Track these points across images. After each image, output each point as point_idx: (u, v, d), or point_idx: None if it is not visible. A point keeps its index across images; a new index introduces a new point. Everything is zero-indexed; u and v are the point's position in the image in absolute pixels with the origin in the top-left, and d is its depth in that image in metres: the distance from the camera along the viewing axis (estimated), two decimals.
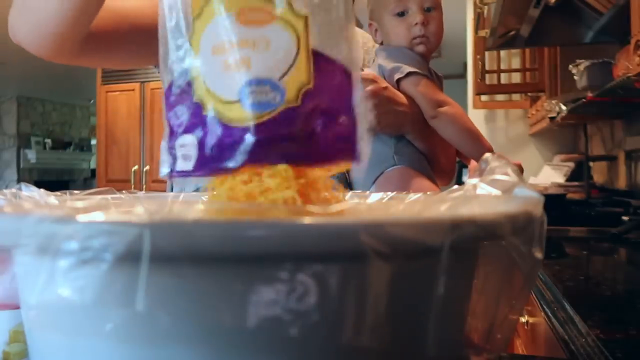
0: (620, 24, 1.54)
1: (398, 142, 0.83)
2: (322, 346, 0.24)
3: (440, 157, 0.88)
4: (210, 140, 0.31)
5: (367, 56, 0.97)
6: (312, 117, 0.31)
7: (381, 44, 0.90)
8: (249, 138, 0.29)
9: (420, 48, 0.85)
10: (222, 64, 0.31)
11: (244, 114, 0.30)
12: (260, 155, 0.30)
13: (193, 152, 0.32)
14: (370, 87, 0.80)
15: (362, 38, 1.00)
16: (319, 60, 0.31)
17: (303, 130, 0.30)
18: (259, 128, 0.30)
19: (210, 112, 0.31)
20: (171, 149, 0.33)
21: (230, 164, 0.30)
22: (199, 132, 0.31)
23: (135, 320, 0.24)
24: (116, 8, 0.78)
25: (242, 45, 0.30)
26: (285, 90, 0.30)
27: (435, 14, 0.85)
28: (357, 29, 1.03)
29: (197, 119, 0.31)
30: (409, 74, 0.83)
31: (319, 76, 0.31)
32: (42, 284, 0.24)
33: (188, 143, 0.32)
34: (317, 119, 0.31)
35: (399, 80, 0.83)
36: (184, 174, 0.33)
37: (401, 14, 0.84)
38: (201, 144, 0.31)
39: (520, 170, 0.93)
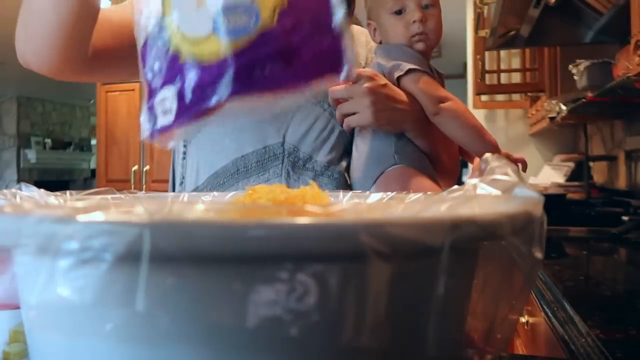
0: (620, 24, 1.54)
1: (398, 141, 0.82)
2: (322, 346, 0.24)
3: (442, 156, 0.87)
4: (189, 85, 0.30)
5: (370, 55, 0.97)
6: (291, 35, 0.30)
7: (380, 43, 0.89)
8: (229, 69, 0.28)
9: (420, 46, 0.84)
10: (195, 1, 0.30)
11: (221, 45, 0.29)
12: (244, 84, 0.29)
13: (173, 105, 0.31)
14: (367, 84, 0.80)
15: (366, 37, 0.99)
16: None
17: (283, 49, 0.29)
18: (237, 56, 0.28)
19: (186, 58, 0.30)
20: (150, 109, 0.33)
21: (214, 101, 0.29)
22: (177, 82, 0.30)
23: (135, 320, 0.24)
24: (117, 21, 0.79)
25: None
26: (259, 11, 0.29)
27: (434, 11, 0.84)
28: (360, 28, 1.02)
29: (175, 69, 0.30)
30: (408, 71, 0.82)
31: None
32: (42, 284, 0.24)
33: (168, 96, 0.31)
34: (297, 36, 0.30)
35: (399, 78, 0.82)
36: (165, 129, 0.32)
37: (399, 12, 0.83)
38: (180, 92, 0.30)
39: (524, 165, 0.91)
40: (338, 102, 0.82)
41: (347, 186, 0.84)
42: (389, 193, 0.44)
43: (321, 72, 0.31)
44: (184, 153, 0.86)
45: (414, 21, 0.82)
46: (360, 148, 0.83)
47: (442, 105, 0.82)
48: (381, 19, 0.86)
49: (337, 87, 0.83)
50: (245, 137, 0.79)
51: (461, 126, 0.82)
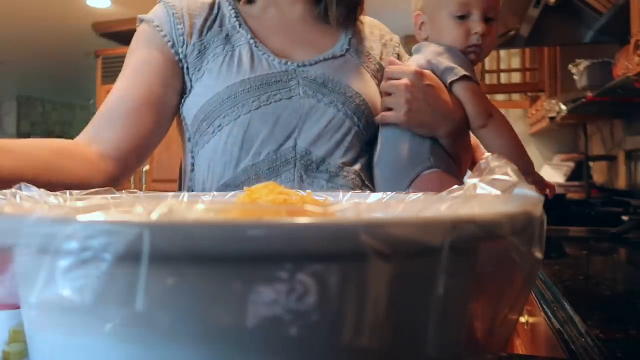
0: (620, 24, 1.54)
1: (434, 144, 0.81)
2: (322, 346, 0.24)
3: (462, 167, 0.87)
4: None
5: (385, 49, 0.95)
6: None
7: (426, 39, 0.87)
8: None
9: (473, 56, 0.83)
10: None
11: None
12: None
13: None
14: (406, 81, 0.79)
15: (380, 31, 0.97)
16: None
17: None
18: None
19: None
20: None
21: None
22: None
23: (135, 320, 0.24)
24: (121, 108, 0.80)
25: None
26: None
27: (494, 26, 0.83)
28: (375, 21, 0.98)
29: None
30: (463, 78, 0.81)
31: None
32: (42, 284, 0.24)
33: None
34: None
35: (452, 83, 0.81)
36: None
37: (462, 17, 0.82)
38: None
39: (552, 191, 0.88)
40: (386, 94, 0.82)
41: (365, 186, 0.83)
42: (389, 193, 0.44)
43: None
44: (192, 165, 0.85)
45: (476, 32, 0.81)
46: (392, 147, 0.82)
47: (492, 119, 0.81)
48: (438, 18, 0.84)
49: (385, 80, 0.82)
50: (256, 144, 0.78)
51: (507, 143, 0.81)
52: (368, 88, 0.86)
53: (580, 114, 2.20)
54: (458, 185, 0.86)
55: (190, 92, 0.83)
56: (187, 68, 0.83)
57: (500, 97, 3.39)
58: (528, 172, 0.80)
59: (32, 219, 0.23)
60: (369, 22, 0.97)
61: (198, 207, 0.28)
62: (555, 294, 0.85)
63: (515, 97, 3.40)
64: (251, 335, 0.23)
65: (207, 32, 0.84)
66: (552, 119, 2.28)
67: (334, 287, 0.23)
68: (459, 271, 0.28)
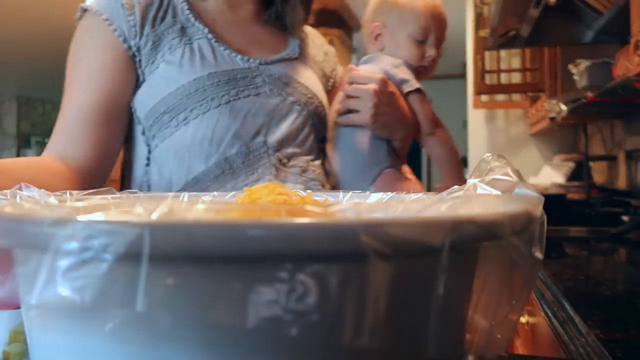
0: (620, 24, 1.54)
1: (388, 146, 0.88)
2: (322, 346, 0.24)
3: (404, 167, 0.95)
4: None
5: (326, 58, 1.01)
6: None
7: (382, 49, 0.94)
8: None
9: (420, 74, 0.93)
10: None
11: None
12: None
13: None
14: (374, 86, 0.84)
15: (320, 40, 1.03)
16: None
17: None
18: None
19: None
20: None
21: None
22: None
23: (135, 320, 0.24)
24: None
25: None
26: None
27: (441, 50, 0.93)
28: (314, 31, 1.04)
29: None
30: (418, 90, 0.89)
31: None
32: (42, 284, 0.24)
33: None
34: None
35: (409, 93, 0.89)
36: None
37: (420, 41, 0.90)
38: None
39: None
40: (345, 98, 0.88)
41: (326, 181, 0.88)
42: (389, 193, 0.44)
43: None
44: (148, 159, 0.83)
45: (429, 55, 0.91)
46: (350, 146, 0.89)
47: (437, 129, 0.91)
48: (399, 36, 0.92)
49: (348, 84, 0.88)
50: (226, 138, 0.79)
51: (449, 151, 0.92)
52: (321, 91, 0.92)
53: (580, 114, 2.20)
54: (413, 182, 0.98)
55: (142, 83, 0.81)
56: (140, 60, 0.80)
57: (500, 97, 3.39)
58: (461, 179, 0.90)
59: (32, 219, 0.23)
60: (310, 31, 1.02)
61: (198, 207, 0.28)
62: (555, 294, 0.85)
63: (515, 97, 3.40)
64: (251, 335, 0.23)
65: (160, 23, 0.82)
66: (552, 119, 2.28)
67: (334, 287, 0.23)
68: (459, 271, 0.28)
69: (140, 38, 0.80)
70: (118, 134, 0.82)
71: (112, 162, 0.83)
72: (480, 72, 3.16)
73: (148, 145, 0.83)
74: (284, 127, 0.83)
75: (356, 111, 0.86)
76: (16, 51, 5.35)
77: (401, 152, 0.90)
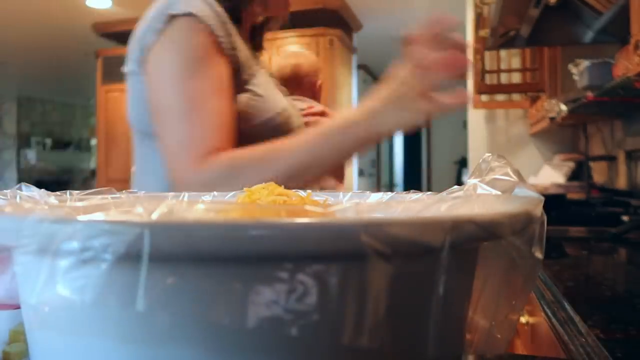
0: (620, 24, 1.54)
1: None
2: (322, 346, 0.24)
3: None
4: None
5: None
6: None
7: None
8: None
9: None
10: None
11: None
12: None
13: None
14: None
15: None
16: None
17: None
18: None
19: None
20: None
21: None
22: None
23: (135, 320, 0.24)
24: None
25: None
26: None
27: None
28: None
29: None
30: None
31: None
32: (42, 284, 0.24)
33: None
34: None
35: None
36: None
37: None
38: None
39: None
40: None
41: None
42: (389, 193, 0.44)
43: None
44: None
45: None
46: None
47: None
48: None
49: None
50: None
51: None
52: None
53: (580, 114, 2.20)
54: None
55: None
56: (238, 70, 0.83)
57: (500, 97, 3.38)
58: None
59: (32, 219, 0.23)
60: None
61: (198, 207, 0.28)
62: (555, 294, 0.85)
63: (515, 97, 3.39)
64: (251, 335, 0.23)
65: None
66: (552, 119, 2.28)
67: (334, 287, 0.23)
68: (459, 271, 0.28)
69: (235, 50, 0.84)
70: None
71: None
72: (480, 72, 3.16)
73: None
74: None
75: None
76: (16, 51, 5.35)
77: None
